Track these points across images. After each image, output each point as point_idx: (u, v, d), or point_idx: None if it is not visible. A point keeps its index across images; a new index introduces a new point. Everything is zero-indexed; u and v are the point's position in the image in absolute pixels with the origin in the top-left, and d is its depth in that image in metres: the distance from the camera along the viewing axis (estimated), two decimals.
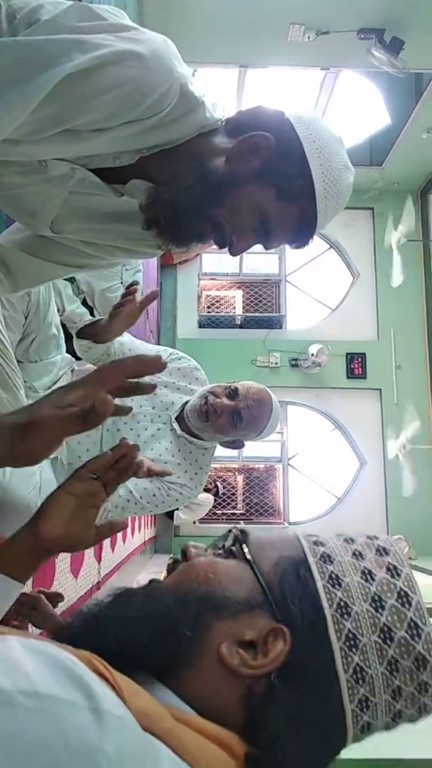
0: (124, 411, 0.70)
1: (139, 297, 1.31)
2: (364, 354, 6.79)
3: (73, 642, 0.45)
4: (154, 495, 1.38)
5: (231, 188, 0.83)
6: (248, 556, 0.56)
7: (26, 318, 1.36)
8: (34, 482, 1.14)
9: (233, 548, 0.58)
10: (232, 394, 1.40)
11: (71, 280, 2.08)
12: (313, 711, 0.50)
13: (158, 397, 1.47)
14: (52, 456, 1.32)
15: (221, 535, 0.62)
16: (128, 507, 1.35)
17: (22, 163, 0.80)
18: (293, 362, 6.70)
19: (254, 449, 7.07)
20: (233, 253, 0.88)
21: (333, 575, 0.53)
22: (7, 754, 0.32)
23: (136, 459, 0.88)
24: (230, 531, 0.60)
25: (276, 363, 6.70)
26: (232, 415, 1.39)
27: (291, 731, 0.49)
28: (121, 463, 0.72)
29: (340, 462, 6.89)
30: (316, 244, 7.09)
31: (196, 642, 0.50)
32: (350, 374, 6.77)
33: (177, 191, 0.81)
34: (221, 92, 5.68)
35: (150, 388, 0.68)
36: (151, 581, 0.58)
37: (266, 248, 0.90)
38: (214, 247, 0.89)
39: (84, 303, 2.15)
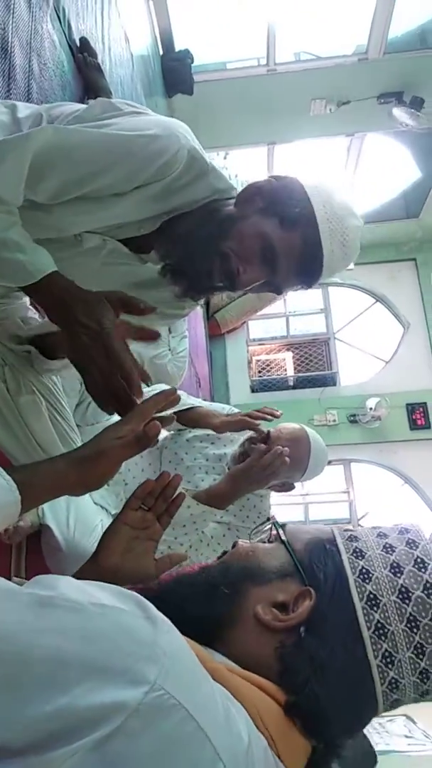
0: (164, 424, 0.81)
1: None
2: (425, 403, 6.61)
3: None
4: (224, 535, 1.43)
5: (237, 221, 0.90)
6: (283, 537, 0.65)
7: (81, 385, 1.44)
8: (96, 534, 1.17)
9: (272, 534, 0.67)
10: (265, 439, 1.43)
11: None
12: (339, 660, 0.55)
13: (210, 449, 1.52)
14: (113, 511, 1.37)
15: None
16: (201, 548, 1.40)
17: (60, 240, 0.89)
18: (352, 418, 6.59)
19: (320, 512, 6.87)
20: (239, 285, 0.90)
21: (357, 549, 0.60)
22: (79, 640, 0.41)
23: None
24: (269, 521, 0.69)
25: (334, 420, 6.61)
26: None
27: (319, 676, 0.54)
28: (167, 493, 0.81)
29: (415, 519, 6.56)
30: (362, 299, 7.20)
31: (235, 604, 0.59)
32: (413, 425, 6.57)
33: (186, 228, 0.88)
34: (252, 170, 6.00)
35: (169, 421, 0.83)
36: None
37: (276, 288, 0.92)
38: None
39: None
